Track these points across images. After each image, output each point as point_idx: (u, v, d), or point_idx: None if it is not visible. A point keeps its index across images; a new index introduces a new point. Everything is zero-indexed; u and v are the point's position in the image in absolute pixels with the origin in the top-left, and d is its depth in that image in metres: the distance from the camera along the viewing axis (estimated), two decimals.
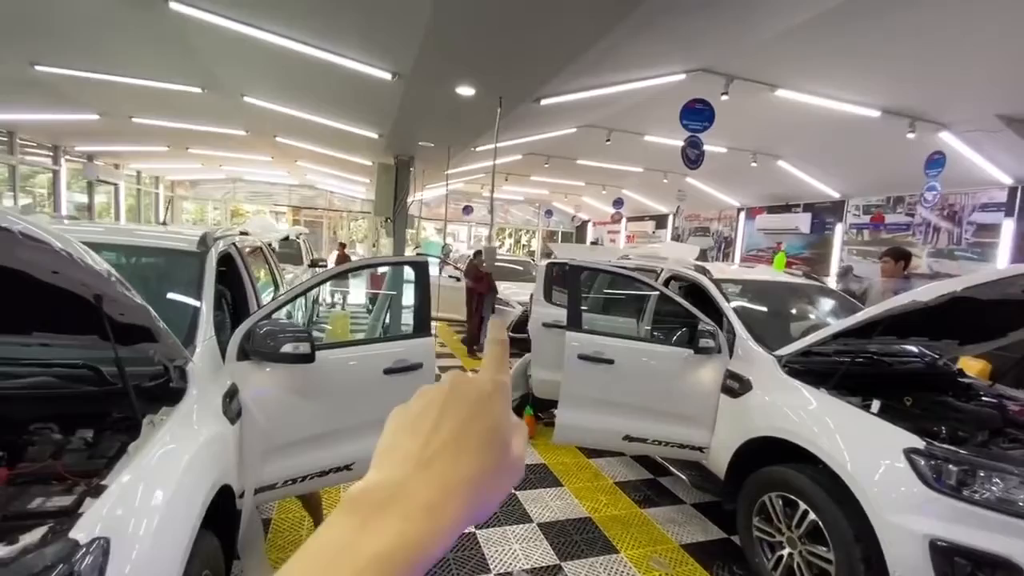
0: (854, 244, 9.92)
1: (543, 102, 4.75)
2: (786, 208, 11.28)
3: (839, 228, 10.19)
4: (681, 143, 5.69)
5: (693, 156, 5.25)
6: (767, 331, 3.49)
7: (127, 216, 13.59)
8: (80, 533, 1.17)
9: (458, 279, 9.80)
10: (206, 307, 2.25)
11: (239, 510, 2.09)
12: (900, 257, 4.74)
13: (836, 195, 9.97)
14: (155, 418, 1.70)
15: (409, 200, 7.80)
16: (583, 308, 4.80)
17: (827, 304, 4.21)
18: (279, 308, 2.40)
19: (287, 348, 2.21)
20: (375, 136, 6.72)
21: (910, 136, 6.24)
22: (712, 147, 6.20)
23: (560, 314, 4.28)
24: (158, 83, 5.42)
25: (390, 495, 0.30)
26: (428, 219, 18.53)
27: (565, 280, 4.18)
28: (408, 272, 3.30)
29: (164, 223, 3.84)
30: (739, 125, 6.59)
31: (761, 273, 4.55)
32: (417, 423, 0.34)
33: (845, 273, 8.48)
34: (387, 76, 4.17)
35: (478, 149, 7.62)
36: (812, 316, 4.11)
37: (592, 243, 19.28)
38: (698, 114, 4.87)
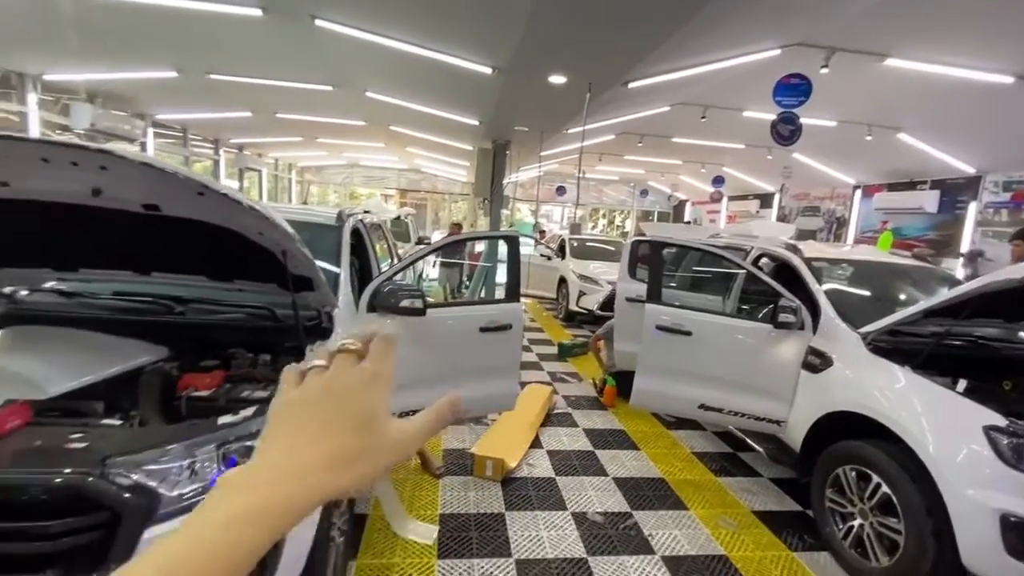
0: (990, 225, 8.76)
1: (631, 85, 4.88)
2: (910, 185, 10.16)
3: (972, 207, 9.04)
4: None
5: (786, 133, 5.08)
6: (858, 310, 3.44)
7: (268, 197, 15.65)
8: None
9: (549, 258, 10.16)
10: (344, 268, 2.83)
11: None
12: None
13: (971, 170, 8.84)
14: (313, 348, 2.27)
15: (504, 182, 8.29)
16: (671, 285, 4.96)
17: (933, 287, 3.99)
18: (399, 271, 2.93)
19: (405, 303, 2.72)
20: (475, 123, 7.27)
21: None
22: (819, 120, 5.87)
23: (643, 289, 4.47)
24: (298, 84, 6.40)
25: (248, 472, 0.36)
26: (522, 200, 19.02)
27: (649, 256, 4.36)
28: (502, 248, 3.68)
29: (305, 202, 4.62)
30: (848, 97, 6.17)
31: (860, 253, 4.41)
32: (292, 424, 0.39)
33: (974, 258, 7.58)
34: (488, 71, 4.61)
35: (570, 131, 7.85)
36: (915, 298, 3.93)
37: (687, 223, 18.65)
38: (793, 89, 4.70)
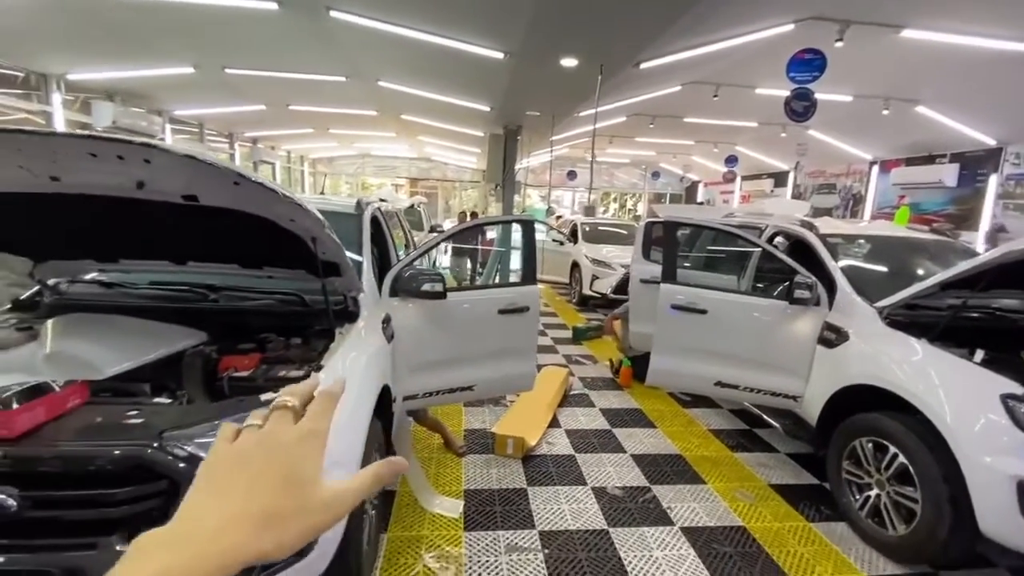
0: (1011, 198, 8.59)
1: (642, 66, 4.87)
2: (929, 159, 9.97)
3: (993, 180, 8.86)
4: None
5: (800, 109, 5.02)
6: (874, 285, 3.44)
7: None
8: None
9: (562, 243, 10.18)
10: (366, 255, 2.91)
11: (393, 412, 2.75)
12: None
13: (991, 142, 8.64)
14: (341, 331, 2.36)
15: (517, 167, 8.34)
16: (686, 266, 4.98)
17: (950, 260, 3.97)
18: (419, 256, 3.01)
19: (426, 287, 2.81)
20: (487, 109, 7.31)
21: None
22: (833, 96, 5.75)
23: (658, 271, 4.49)
24: (312, 75, 6.50)
25: (169, 532, 0.35)
26: (533, 186, 18.99)
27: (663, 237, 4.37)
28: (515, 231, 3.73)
29: (323, 193, 4.71)
30: (863, 71, 6.06)
31: (875, 228, 4.39)
32: (221, 479, 0.38)
33: (997, 232, 7.46)
34: (499, 56, 4.64)
35: (581, 114, 7.84)
36: (931, 272, 3.91)
37: (700, 203, 18.50)
38: (807, 64, 4.64)
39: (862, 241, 4.07)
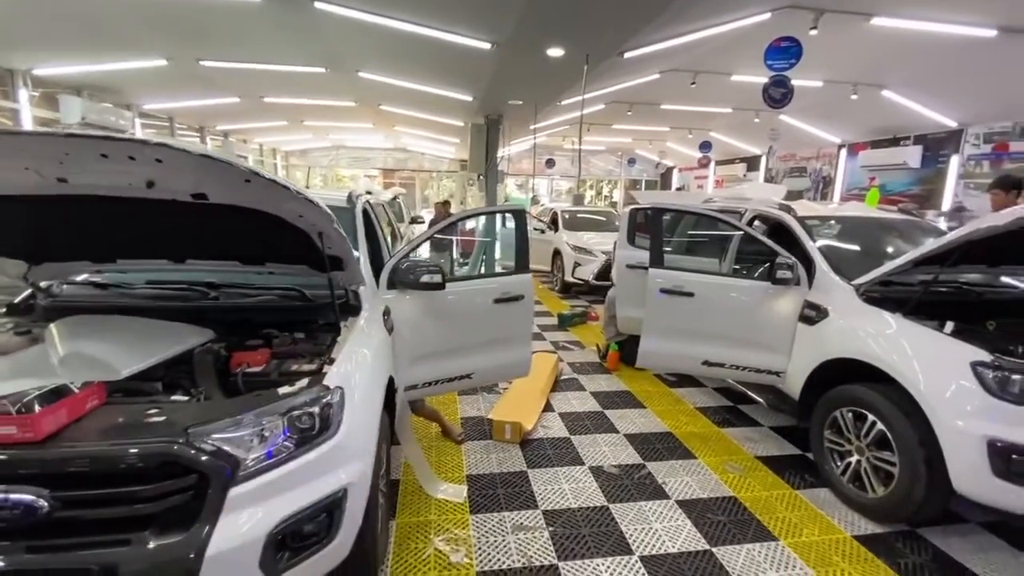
0: (972, 177, 8.98)
1: (627, 55, 4.92)
2: (894, 142, 10.35)
3: (955, 160, 9.25)
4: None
5: (778, 96, 5.17)
6: (850, 264, 3.59)
7: None
8: (329, 382, 1.83)
9: (543, 231, 10.23)
10: (362, 248, 2.93)
11: (395, 403, 2.79)
12: (1012, 186, 4.45)
13: (952, 124, 9.00)
14: (346, 324, 2.39)
15: (499, 156, 8.34)
16: (667, 251, 5.09)
17: (919, 238, 4.17)
18: (415, 248, 3.04)
19: (424, 278, 2.83)
20: (469, 99, 7.28)
21: None
22: (805, 82, 5.89)
23: (643, 256, 4.60)
24: (291, 67, 6.33)
25: None
26: (512, 174, 18.97)
27: (648, 223, 4.47)
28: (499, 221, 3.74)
29: (307, 187, 4.66)
30: (834, 57, 6.25)
31: (849, 209, 4.56)
32: None
33: (959, 211, 7.81)
34: (486, 46, 4.63)
35: (563, 103, 7.87)
36: (903, 250, 4.10)
37: (677, 189, 18.79)
38: (784, 52, 4.77)
39: (837, 222, 4.24)
